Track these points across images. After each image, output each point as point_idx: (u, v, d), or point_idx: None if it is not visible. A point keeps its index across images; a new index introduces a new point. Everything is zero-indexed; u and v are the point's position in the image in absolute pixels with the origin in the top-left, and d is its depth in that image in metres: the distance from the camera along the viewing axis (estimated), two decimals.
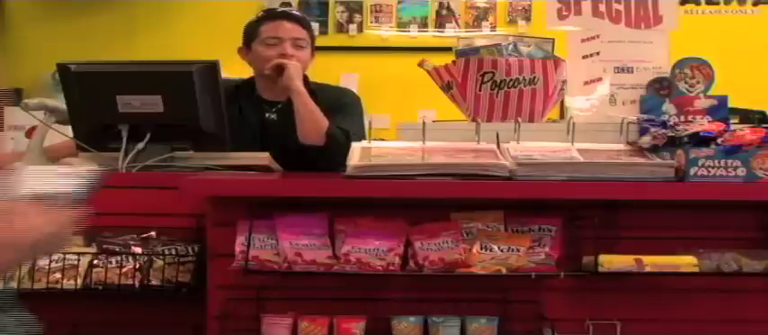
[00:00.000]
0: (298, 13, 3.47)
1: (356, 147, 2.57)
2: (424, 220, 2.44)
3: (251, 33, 3.36)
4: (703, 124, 2.52)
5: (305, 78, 3.37)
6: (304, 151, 3.14)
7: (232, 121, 3.18)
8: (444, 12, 6.18)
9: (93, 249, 2.48)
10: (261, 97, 3.36)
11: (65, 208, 1.51)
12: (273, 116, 3.33)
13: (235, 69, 3.47)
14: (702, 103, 2.66)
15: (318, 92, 3.35)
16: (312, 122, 3.12)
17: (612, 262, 2.36)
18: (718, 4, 6.08)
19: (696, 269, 2.39)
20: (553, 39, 2.95)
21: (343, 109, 3.30)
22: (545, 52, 2.87)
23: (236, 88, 3.38)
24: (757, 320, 2.49)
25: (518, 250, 2.40)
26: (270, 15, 3.39)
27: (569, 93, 2.96)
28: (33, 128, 3.13)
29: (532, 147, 2.53)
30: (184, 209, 2.51)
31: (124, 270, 2.44)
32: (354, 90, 3.66)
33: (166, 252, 2.46)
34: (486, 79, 2.79)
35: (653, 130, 2.54)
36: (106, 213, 2.08)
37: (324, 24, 6.15)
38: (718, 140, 2.43)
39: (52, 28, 6.15)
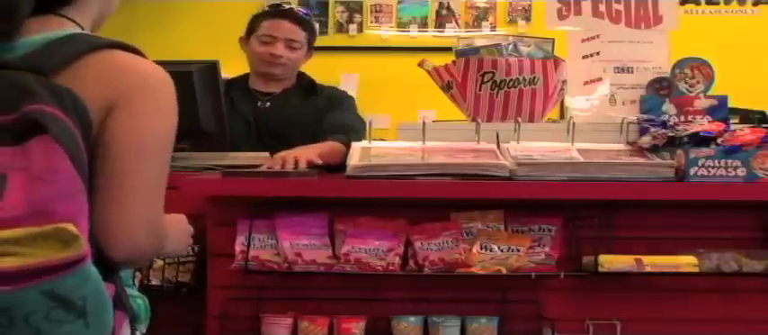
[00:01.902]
0: (300, 12, 3.47)
1: (356, 147, 2.57)
2: (424, 220, 2.44)
3: (252, 26, 3.39)
4: (703, 124, 2.52)
5: (302, 75, 3.43)
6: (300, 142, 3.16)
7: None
8: (444, 12, 6.17)
9: None
10: (253, 89, 3.38)
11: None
12: (267, 105, 3.35)
13: (235, 69, 3.48)
14: (702, 103, 2.66)
15: (319, 90, 3.40)
16: (339, 157, 3.06)
17: (612, 262, 2.36)
18: (718, 4, 6.07)
19: (696, 269, 2.39)
20: (553, 39, 2.95)
21: (342, 104, 3.33)
22: (545, 52, 2.87)
23: (229, 83, 3.41)
24: (757, 320, 2.49)
25: (518, 250, 2.40)
26: (271, 12, 3.41)
27: (569, 93, 2.96)
28: None
29: (532, 147, 2.53)
30: (184, 209, 2.50)
31: None
32: (354, 90, 3.69)
33: None
34: (486, 79, 2.79)
35: (653, 130, 2.53)
36: None
37: (324, 24, 6.14)
38: (718, 140, 2.43)
39: None
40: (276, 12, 3.41)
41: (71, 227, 1.21)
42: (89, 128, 1.33)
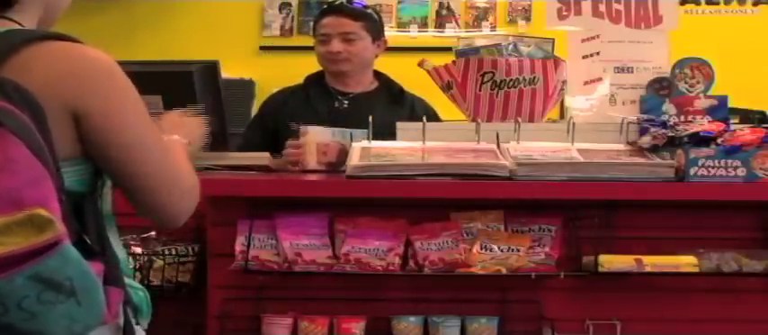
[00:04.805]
0: (348, 4, 3.39)
1: (356, 147, 2.57)
2: (424, 220, 2.44)
3: (313, 29, 3.42)
4: (703, 124, 2.52)
5: (389, 80, 3.42)
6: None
7: (297, 109, 3.23)
8: (444, 12, 6.17)
9: None
10: (331, 87, 3.37)
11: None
12: (345, 105, 3.33)
13: (235, 69, 3.48)
14: (702, 103, 2.66)
15: (415, 102, 3.39)
16: None
17: (612, 262, 2.36)
18: (718, 4, 6.07)
19: (696, 269, 2.39)
20: (553, 39, 2.94)
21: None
22: (545, 52, 2.87)
23: (307, 78, 3.42)
24: (757, 320, 2.49)
25: (518, 250, 2.40)
26: (322, 11, 3.42)
27: (569, 93, 2.96)
28: None
29: (532, 147, 2.53)
30: None
31: None
32: None
33: (166, 252, 2.46)
34: (486, 79, 2.79)
35: (653, 130, 2.53)
36: None
37: None
38: (718, 140, 2.43)
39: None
40: (324, 9, 3.41)
41: (43, 211, 1.24)
42: (42, 115, 1.34)
